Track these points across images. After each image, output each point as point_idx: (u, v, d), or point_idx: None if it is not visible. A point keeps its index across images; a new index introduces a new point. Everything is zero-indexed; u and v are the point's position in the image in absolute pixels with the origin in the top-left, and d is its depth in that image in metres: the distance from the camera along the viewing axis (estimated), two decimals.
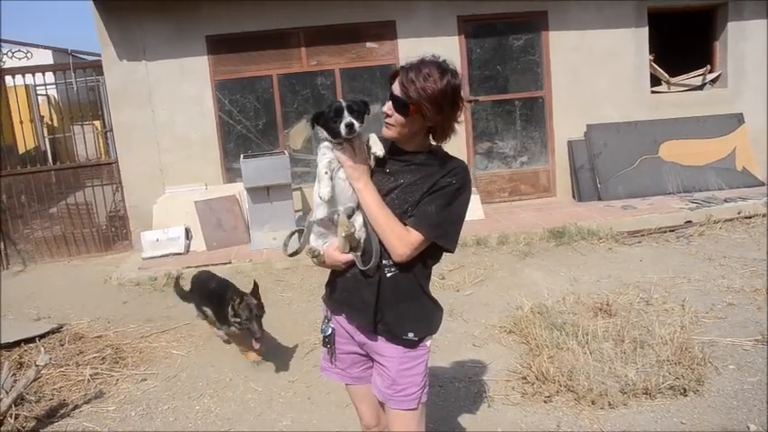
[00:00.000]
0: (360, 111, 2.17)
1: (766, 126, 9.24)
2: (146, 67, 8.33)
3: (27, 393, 4.11)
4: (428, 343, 2.38)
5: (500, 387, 4.03)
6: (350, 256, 2.27)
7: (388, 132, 2.23)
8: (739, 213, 7.75)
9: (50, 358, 4.23)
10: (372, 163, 2.26)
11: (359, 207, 2.24)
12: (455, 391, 4.06)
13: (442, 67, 2.14)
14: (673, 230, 7.48)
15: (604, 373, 3.94)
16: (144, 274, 7.11)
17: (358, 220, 2.25)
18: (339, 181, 2.25)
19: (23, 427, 3.91)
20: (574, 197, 9.10)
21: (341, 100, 2.20)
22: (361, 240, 2.25)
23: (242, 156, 7.93)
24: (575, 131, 9.08)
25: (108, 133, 9.21)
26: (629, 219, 7.75)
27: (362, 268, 2.24)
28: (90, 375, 4.57)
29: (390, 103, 2.18)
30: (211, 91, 8.53)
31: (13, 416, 3.92)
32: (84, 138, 9.25)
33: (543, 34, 8.99)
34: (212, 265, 7.13)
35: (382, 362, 2.36)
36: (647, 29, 9.09)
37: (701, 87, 9.62)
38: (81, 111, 9.24)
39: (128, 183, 8.52)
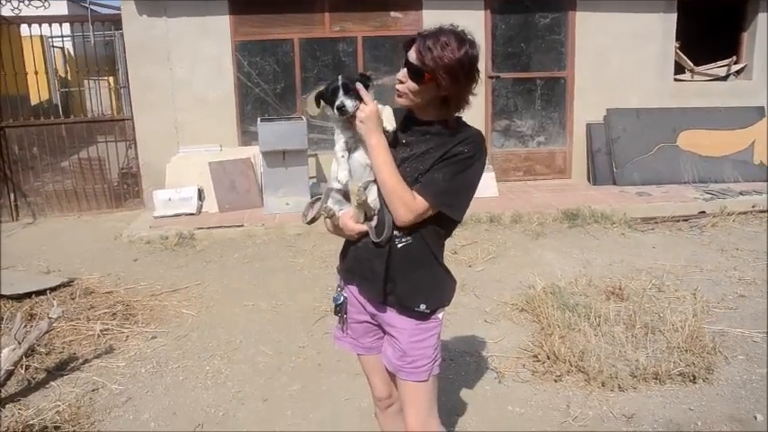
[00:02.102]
0: (356, 88, 2.13)
1: None
2: (166, 24, 8.22)
3: (38, 345, 4.14)
4: (440, 315, 2.36)
5: (511, 364, 4.04)
6: (364, 227, 2.25)
7: (401, 101, 2.19)
8: (754, 207, 7.67)
9: (63, 311, 4.25)
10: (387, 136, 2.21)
11: (375, 180, 2.21)
12: (465, 366, 4.07)
13: (461, 37, 2.10)
14: (686, 220, 7.43)
15: (615, 356, 3.96)
16: (155, 232, 7.11)
17: (372, 191, 2.22)
18: (354, 161, 2.24)
19: (34, 378, 3.95)
20: (589, 180, 9.03)
21: (339, 77, 2.15)
22: (376, 211, 2.23)
23: (259, 119, 7.87)
24: (594, 114, 8.98)
25: (122, 89, 9.13)
26: (643, 205, 7.70)
27: (375, 240, 2.21)
28: (100, 330, 4.59)
29: (405, 69, 2.14)
30: (231, 52, 8.42)
31: (24, 366, 3.96)
32: (99, 92, 9.17)
33: (570, 14, 8.83)
34: (224, 227, 7.15)
35: (393, 333, 2.35)
36: (675, 15, 8.91)
37: (725, 78, 9.47)
38: (97, 65, 9.15)
39: (142, 140, 8.45)
